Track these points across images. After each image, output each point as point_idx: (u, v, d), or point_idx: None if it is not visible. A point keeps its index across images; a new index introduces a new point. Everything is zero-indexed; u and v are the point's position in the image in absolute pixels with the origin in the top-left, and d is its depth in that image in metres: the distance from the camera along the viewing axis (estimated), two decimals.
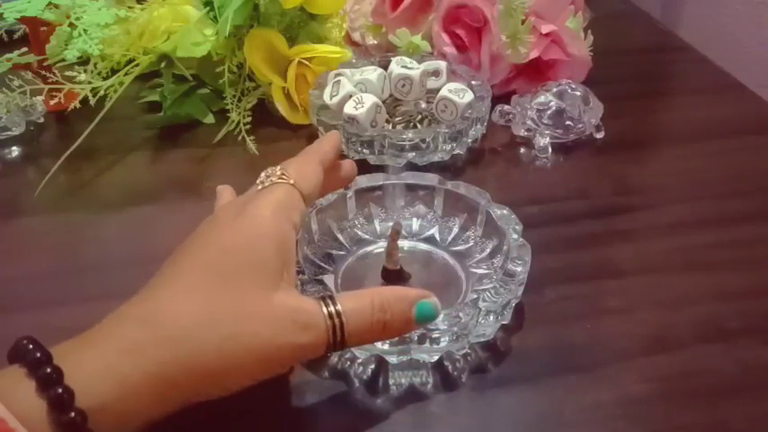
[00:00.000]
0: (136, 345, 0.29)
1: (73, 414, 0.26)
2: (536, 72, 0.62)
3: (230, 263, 0.31)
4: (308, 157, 0.39)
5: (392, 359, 0.37)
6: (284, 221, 0.34)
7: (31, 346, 0.28)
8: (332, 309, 0.32)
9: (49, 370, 0.27)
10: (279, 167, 0.37)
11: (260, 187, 0.36)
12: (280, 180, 0.36)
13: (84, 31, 0.52)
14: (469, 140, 0.55)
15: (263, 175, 0.37)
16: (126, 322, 0.30)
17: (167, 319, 0.30)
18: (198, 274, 0.31)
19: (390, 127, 0.56)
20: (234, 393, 0.31)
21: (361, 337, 0.33)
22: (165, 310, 0.30)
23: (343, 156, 0.46)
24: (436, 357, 0.38)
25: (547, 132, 0.57)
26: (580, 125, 0.57)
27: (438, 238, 0.46)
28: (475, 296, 0.38)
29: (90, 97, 0.54)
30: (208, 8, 0.57)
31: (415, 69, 0.56)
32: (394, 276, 0.42)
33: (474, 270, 0.43)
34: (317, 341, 0.32)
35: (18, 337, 0.28)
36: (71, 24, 0.53)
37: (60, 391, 0.26)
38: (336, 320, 0.32)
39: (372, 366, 0.38)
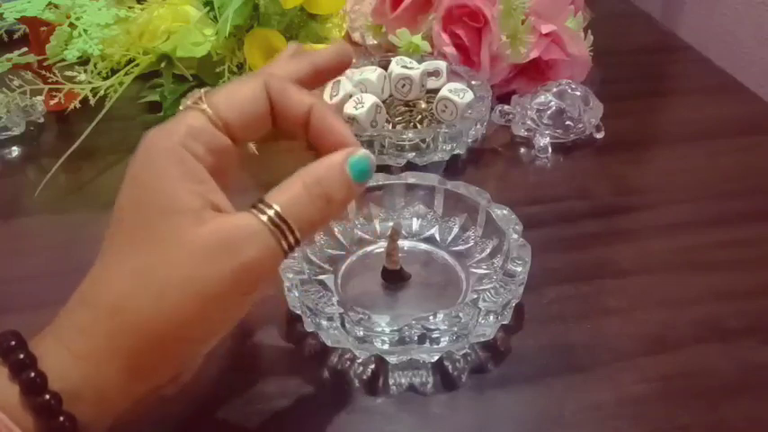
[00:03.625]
0: (83, 326, 0.28)
1: (47, 396, 0.26)
2: (536, 72, 0.62)
3: (139, 216, 0.29)
4: (249, 79, 0.31)
5: (392, 359, 0.37)
6: (179, 154, 0.29)
7: (10, 339, 0.28)
8: (270, 213, 0.28)
9: (22, 356, 0.27)
10: (204, 91, 0.31)
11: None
12: (192, 106, 0.30)
13: (85, 31, 0.52)
14: (469, 140, 0.55)
15: (183, 101, 0.33)
16: (72, 307, 0.29)
17: (101, 294, 0.29)
18: (118, 238, 0.29)
19: (390, 127, 0.56)
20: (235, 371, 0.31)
21: (312, 222, 0.30)
22: (98, 286, 0.29)
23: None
24: (436, 357, 0.38)
25: (547, 132, 0.57)
26: (580, 125, 0.57)
27: (438, 238, 0.46)
28: (475, 296, 0.38)
29: (90, 97, 0.54)
30: (208, 8, 0.57)
31: (415, 69, 0.56)
32: (394, 276, 0.42)
33: (474, 270, 0.43)
34: (266, 248, 0.28)
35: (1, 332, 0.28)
36: (71, 24, 0.53)
37: (33, 375, 0.27)
38: (283, 225, 0.28)
39: (372, 366, 0.38)
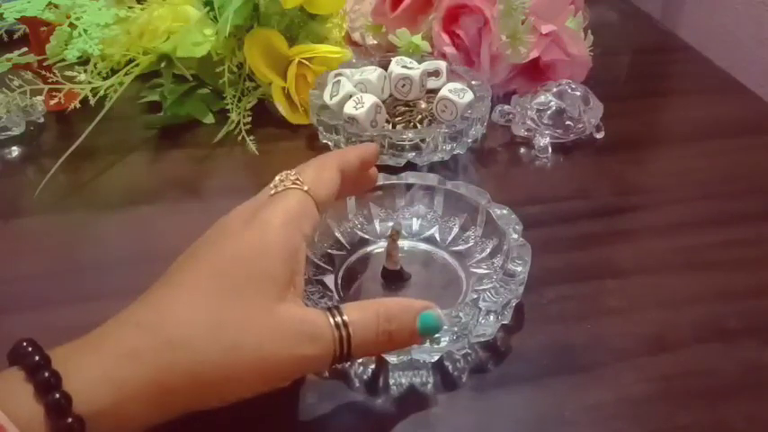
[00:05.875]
0: (135, 350, 0.28)
1: (70, 420, 0.26)
2: (536, 72, 0.62)
3: (236, 272, 0.31)
4: (327, 162, 0.37)
5: (392, 359, 0.37)
6: (295, 232, 0.33)
7: (30, 349, 0.27)
8: (338, 319, 0.31)
9: (47, 374, 0.27)
10: (294, 171, 0.36)
11: (273, 192, 0.35)
12: (293, 186, 0.35)
13: (85, 31, 0.52)
14: (469, 140, 0.55)
15: (277, 178, 0.35)
16: (127, 327, 0.29)
17: (169, 325, 0.29)
18: (203, 281, 0.31)
19: (390, 127, 0.56)
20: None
21: (367, 349, 0.33)
22: (167, 316, 0.30)
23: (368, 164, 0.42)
24: (436, 357, 0.38)
25: (547, 132, 0.57)
26: (580, 125, 0.57)
27: (438, 238, 0.46)
28: (475, 296, 0.38)
29: (90, 97, 0.54)
30: (208, 8, 0.57)
31: (415, 69, 0.56)
32: (394, 276, 0.42)
33: (474, 270, 0.43)
34: (323, 353, 0.31)
35: (18, 339, 0.28)
36: (71, 24, 0.53)
37: (58, 396, 0.26)
38: (343, 331, 0.31)
39: (372, 366, 0.38)
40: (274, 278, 0.31)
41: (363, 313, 0.32)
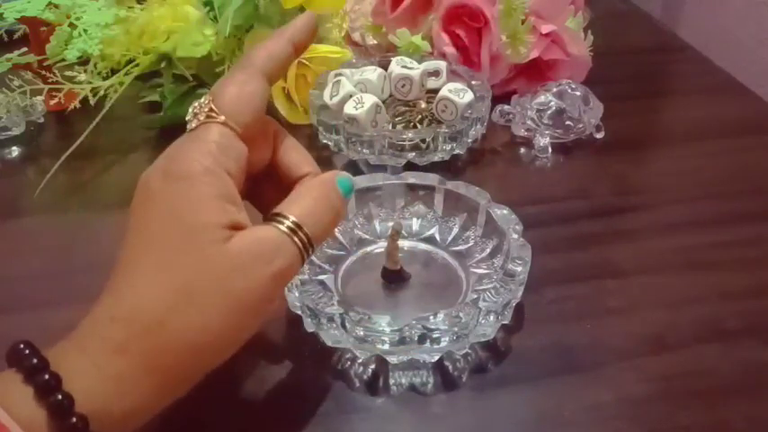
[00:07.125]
0: (119, 344, 0.28)
1: (74, 419, 0.26)
2: (536, 72, 0.62)
3: (175, 234, 0.30)
4: (247, 75, 0.34)
5: (392, 359, 0.37)
6: (218, 175, 0.31)
7: (27, 351, 0.27)
8: (289, 223, 0.31)
9: (47, 377, 0.27)
10: (209, 99, 0.33)
11: (189, 127, 0.33)
12: (208, 119, 0.32)
13: (85, 31, 0.52)
14: (469, 140, 0.55)
15: (191, 110, 0.33)
16: (104, 326, 0.29)
17: (139, 311, 0.29)
18: (151, 256, 0.30)
19: (390, 127, 0.56)
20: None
21: (325, 231, 0.33)
22: (133, 303, 0.29)
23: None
24: (437, 357, 0.38)
25: (547, 132, 0.57)
26: (580, 125, 0.57)
27: (438, 238, 0.46)
28: (475, 296, 0.38)
29: (90, 97, 0.54)
30: (208, 8, 0.57)
31: (415, 69, 0.56)
32: (394, 276, 0.42)
33: (474, 270, 0.43)
34: (292, 260, 0.31)
35: (14, 341, 0.28)
36: (71, 24, 0.53)
37: (60, 397, 0.26)
38: (301, 234, 0.31)
39: (372, 366, 0.38)
40: (213, 223, 0.30)
41: (303, 204, 0.32)
